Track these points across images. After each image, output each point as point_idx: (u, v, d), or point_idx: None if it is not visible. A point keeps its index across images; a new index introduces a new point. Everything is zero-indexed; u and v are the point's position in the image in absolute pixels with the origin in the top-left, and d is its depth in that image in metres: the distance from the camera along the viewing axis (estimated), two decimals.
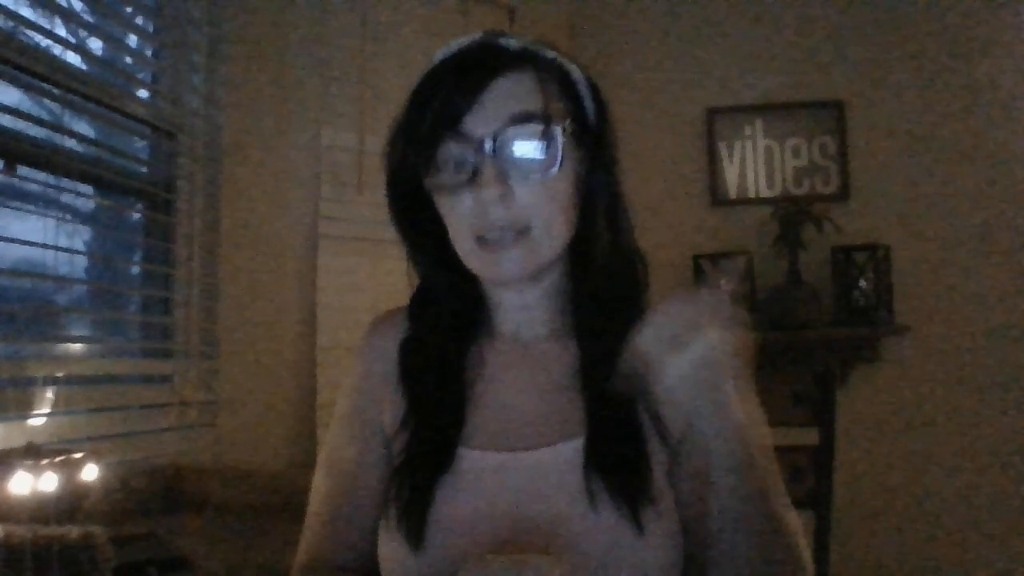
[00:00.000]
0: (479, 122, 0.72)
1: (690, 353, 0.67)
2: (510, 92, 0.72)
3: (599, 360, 0.76)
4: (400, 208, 0.82)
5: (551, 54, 0.77)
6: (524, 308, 0.82)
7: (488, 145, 0.71)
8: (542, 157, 0.72)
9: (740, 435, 0.70)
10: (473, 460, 0.75)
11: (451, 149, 0.73)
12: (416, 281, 0.85)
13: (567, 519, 0.70)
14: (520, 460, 0.74)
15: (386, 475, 0.80)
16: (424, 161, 0.74)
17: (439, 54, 0.77)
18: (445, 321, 0.82)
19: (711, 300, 0.68)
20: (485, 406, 0.79)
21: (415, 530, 0.71)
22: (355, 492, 0.80)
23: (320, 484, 0.83)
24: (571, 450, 0.73)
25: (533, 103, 0.73)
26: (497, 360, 0.82)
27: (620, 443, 0.73)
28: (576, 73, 0.78)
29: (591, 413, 0.75)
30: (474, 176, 0.72)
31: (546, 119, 0.72)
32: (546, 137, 0.72)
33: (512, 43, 0.76)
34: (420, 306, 0.84)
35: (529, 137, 0.72)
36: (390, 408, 0.82)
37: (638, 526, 0.69)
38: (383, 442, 0.82)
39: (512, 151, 0.72)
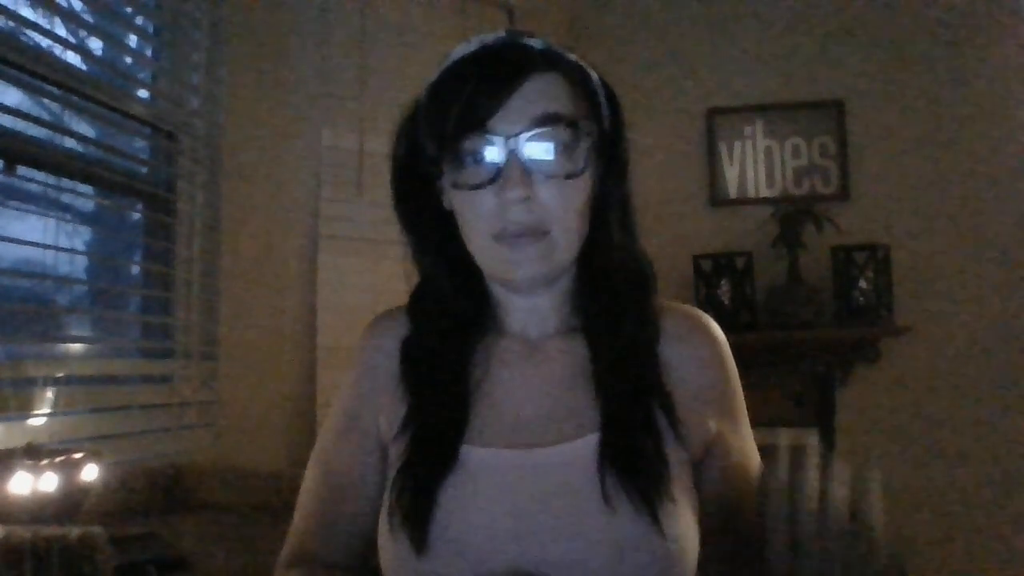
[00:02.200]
0: (506, 121, 0.71)
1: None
2: (538, 93, 0.72)
3: (611, 357, 0.76)
4: (404, 203, 0.81)
5: (573, 57, 0.77)
6: (533, 310, 0.81)
7: (514, 144, 0.71)
8: (567, 161, 0.72)
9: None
10: (479, 458, 0.73)
11: (475, 146, 0.72)
12: (414, 280, 0.83)
13: (581, 520, 0.68)
14: (530, 458, 0.72)
15: (378, 477, 0.79)
16: (446, 157, 0.73)
17: (459, 50, 0.76)
18: (449, 319, 0.80)
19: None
20: (493, 403, 0.77)
21: (419, 533, 0.69)
22: (345, 491, 0.79)
23: (310, 481, 0.82)
24: (585, 447, 0.71)
25: (560, 106, 0.73)
26: (504, 357, 0.80)
27: (636, 440, 0.71)
28: (595, 78, 0.78)
29: (606, 410, 0.73)
30: (498, 175, 0.71)
31: (573, 123, 0.73)
32: (572, 141, 0.73)
33: (536, 44, 0.75)
34: (421, 305, 0.83)
35: (555, 139, 0.72)
36: (388, 410, 0.80)
37: (657, 525, 0.67)
38: (377, 444, 0.80)
39: (538, 152, 0.71)
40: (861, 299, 2.48)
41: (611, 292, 0.78)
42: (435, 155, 0.74)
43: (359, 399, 0.82)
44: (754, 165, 2.73)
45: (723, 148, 2.75)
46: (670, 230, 2.63)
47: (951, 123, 2.63)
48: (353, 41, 2.11)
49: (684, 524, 0.70)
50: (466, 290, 0.81)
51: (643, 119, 2.67)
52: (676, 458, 0.73)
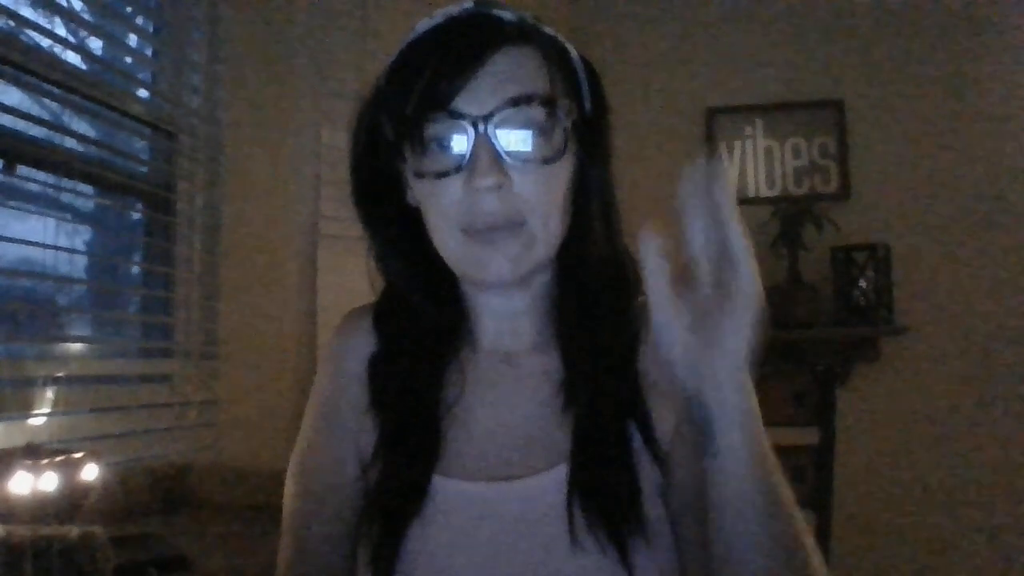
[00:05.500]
0: (474, 101, 0.63)
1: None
2: (510, 70, 0.65)
3: (585, 376, 0.70)
4: (366, 199, 0.74)
5: (550, 31, 0.70)
6: (509, 316, 0.74)
7: (483, 127, 0.63)
8: (543, 144, 0.65)
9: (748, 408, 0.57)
10: (449, 491, 0.68)
11: (439, 130, 0.65)
12: (380, 283, 0.77)
13: (547, 560, 0.64)
14: (499, 492, 0.68)
15: (360, 495, 0.73)
16: (407, 142, 0.66)
17: (422, 23, 0.68)
18: (418, 332, 0.74)
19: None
20: (465, 429, 0.71)
21: (384, 572, 0.66)
22: (334, 514, 0.74)
23: (295, 503, 0.76)
24: (554, 480, 0.66)
25: (535, 83, 0.65)
26: (478, 376, 0.73)
27: (607, 471, 0.66)
28: (575, 55, 0.70)
29: (577, 437, 0.68)
30: (465, 161, 0.64)
31: (549, 102, 0.65)
32: (548, 122, 0.65)
33: (508, 15, 0.68)
34: (388, 314, 0.76)
35: (530, 121, 0.64)
36: (365, 429, 0.74)
37: (626, 567, 0.63)
38: (358, 460, 0.74)
39: (510, 136, 0.64)
40: (861, 299, 2.49)
41: (589, 298, 0.72)
42: (395, 141, 0.67)
43: (336, 410, 0.77)
44: (754, 165, 2.73)
45: (723, 148, 2.75)
46: (669, 231, 2.63)
47: (951, 123, 2.63)
48: (353, 41, 2.11)
49: (658, 560, 0.65)
50: (436, 297, 0.74)
51: (643, 119, 2.67)
52: (652, 484, 0.67)
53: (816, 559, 0.58)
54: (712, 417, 0.55)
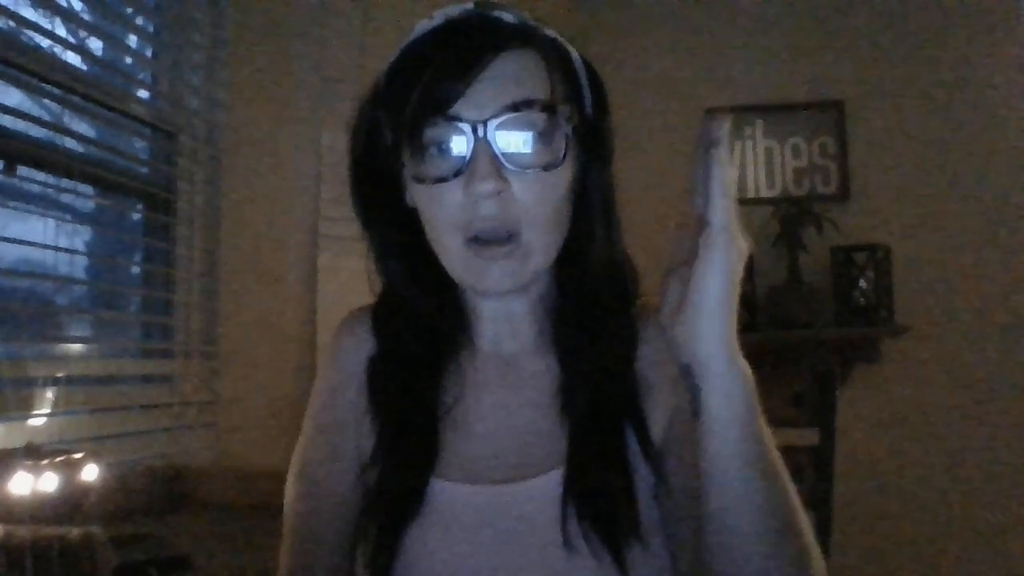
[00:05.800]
0: (474, 106, 0.63)
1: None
2: (510, 74, 0.64)
3: (582, 380, 0.70)
4: (365, 198, 0.74)
5: (551, 33, 0.69)
6: (507, 318, 0.74)
7: (483, 132, 0.63)
8: (544, 150, 0.64)
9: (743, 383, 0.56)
10: (447, 494, 0.68)
11: (439, 134, 0.64)
12: (378, 285, 0.77)
13: (542, 564, 0.65)
14: (495, 495, 0.68)
15: (362, 494, 0.74)
16: (406, 146, 0.66)
17: (421, 25, 0.67)
18: (417, 333, 0.74)
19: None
20: (464, 432, 0.72)
21: (381, 574, 0.67)
22: (336, 514, 0.74)
23: (297, 505, 0.76)
24: (549, 484, 0.67)
25: (535, 88, 0.64)
26: (477, 379, 0.74)
27: (602, 474, 0.66)
28: (576, 57, 0.70)
29: (572, 440, 0.68)
30: (464, 166, 0.63)
31: (550, 108, 0.64)
32: (549, 128, 0.65)
33: (509, 17, 0.67)
34: (387, 315, 0.76)
35: (530, 127, 0.64)
36: (365, 429, 0.75)
37: (621, 570, 0.63)
38: (359, 460, 0.75)
39: (510, 141, 0.63)
40: (861, 299, 2.49)
41: (588, 301, 0.72)
42: (394, 145, 0.67)
43: (337, 411, 0.77)
44: (754, 165, 2.73)
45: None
46: (670, 231, 2.63)
47: (951, 123, 2.63)
48: (353, 41, 2.11)
49: (653, 563, 0.65)
50: (435, 298, 0.74)
51: (642, 119, 2.67)
52: (647, 486, 0.67)
53: (809, 533, 0.57)
54: (698, 377, 0.55)
